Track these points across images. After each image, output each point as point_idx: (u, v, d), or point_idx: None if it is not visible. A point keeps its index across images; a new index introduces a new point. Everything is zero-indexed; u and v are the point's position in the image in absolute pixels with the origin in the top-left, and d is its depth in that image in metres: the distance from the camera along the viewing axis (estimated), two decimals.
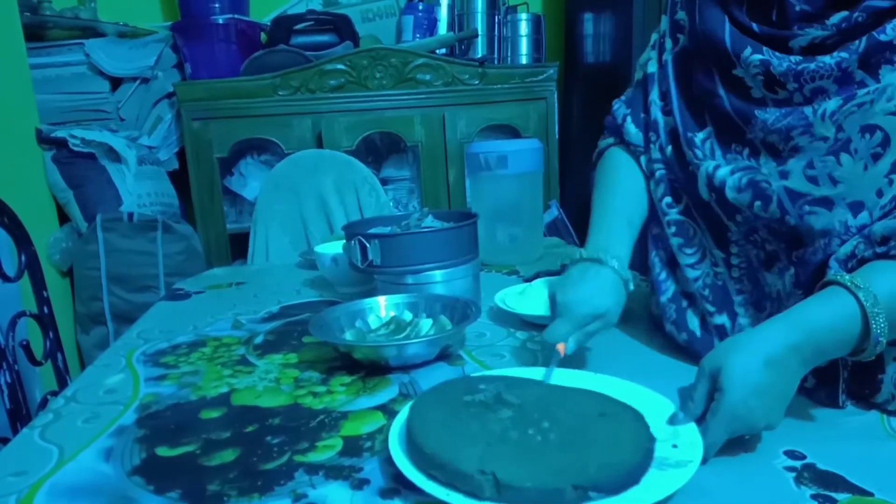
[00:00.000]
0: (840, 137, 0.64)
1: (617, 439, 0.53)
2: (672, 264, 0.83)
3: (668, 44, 0.83)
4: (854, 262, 0.62)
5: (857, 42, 0.62)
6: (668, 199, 0.81)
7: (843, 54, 0.63)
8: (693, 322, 0.80)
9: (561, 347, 0.69)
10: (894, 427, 0.62)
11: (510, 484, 0.48)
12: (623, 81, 1.97)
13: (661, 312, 0.84)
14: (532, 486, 0.48)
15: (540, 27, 2.26)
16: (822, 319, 0.57)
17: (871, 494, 0.51)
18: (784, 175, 0.68)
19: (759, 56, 0.68)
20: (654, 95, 0.84)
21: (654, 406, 0.61)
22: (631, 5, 1.82)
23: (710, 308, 0.77)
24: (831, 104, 0.64)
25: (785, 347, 0.56)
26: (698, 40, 0.77)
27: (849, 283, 0.57)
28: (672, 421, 0.59)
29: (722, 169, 0.73)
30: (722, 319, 0.76)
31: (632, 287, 0.77)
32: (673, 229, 0.80)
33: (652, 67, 0.86)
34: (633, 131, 0.87)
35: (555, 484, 0.48)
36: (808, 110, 0.66)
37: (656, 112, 0.83)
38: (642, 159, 0.86)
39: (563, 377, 0.68)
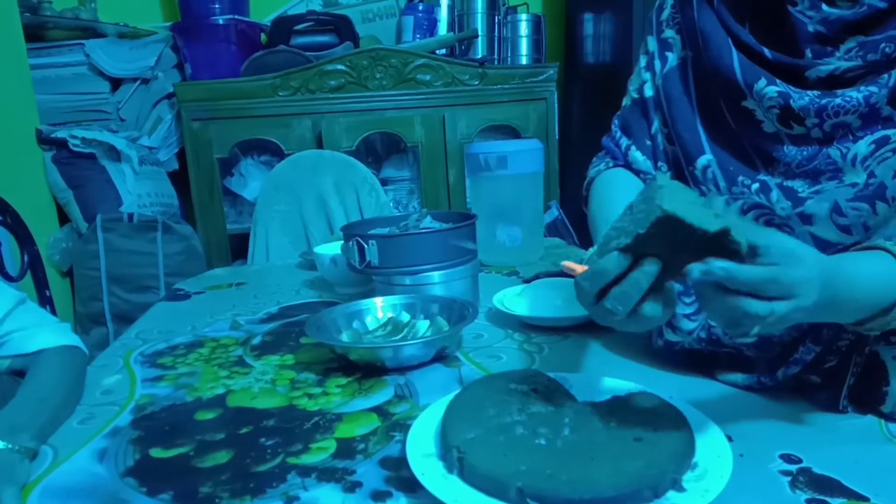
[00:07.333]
0: (871, 183, 0.60)
1: (618, 467, 0.49)
2: None
3: (658, 65, 0.78)
4: None
5: (885, 76, 0.58)
6: None
7: (872, 88, 0.59)
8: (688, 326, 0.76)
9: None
10: (892, 431, 0.61)
11: (473, 467, 0.51)
12: (623, 81, 1.96)
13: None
14: (484, 472, 0.50)
15: (540, 27, 2.26)
16: (859, 265, 0.54)
17: (867, 499, 0.50)
18: (806, 219, 0.63)
19: (775, 88, 0.63)
20: (658, 123, 0.79)
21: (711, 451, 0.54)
22: (631, 5, 1.82)
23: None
24: (861, 148, 0.60)
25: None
26: (704, 69, 0.71)
27: (891, 248, 0.54)
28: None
29: (732, 207, 0.68)
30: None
31: None
32: None
33: (650, 91, 0.81)
34: (640, 159, 0.81)
35: (504, 480, 0.49)
36: (834, 153, 0.62)
37: (663, 141, 0.79)
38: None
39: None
